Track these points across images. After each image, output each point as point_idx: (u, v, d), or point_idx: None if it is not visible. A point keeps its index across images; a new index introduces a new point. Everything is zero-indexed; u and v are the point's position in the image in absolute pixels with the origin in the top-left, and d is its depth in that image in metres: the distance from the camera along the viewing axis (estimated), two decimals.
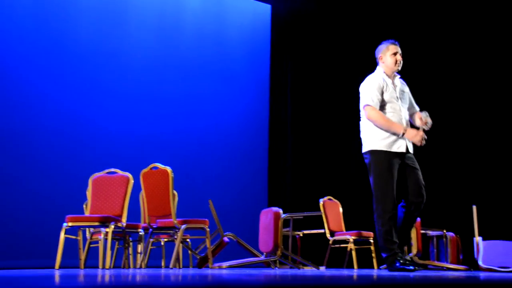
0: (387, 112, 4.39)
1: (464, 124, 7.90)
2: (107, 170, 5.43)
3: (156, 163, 5.21)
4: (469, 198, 7.06)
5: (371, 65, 8.33)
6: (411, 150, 4.45)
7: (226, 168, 8.25)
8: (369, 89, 4.40)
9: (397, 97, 4.44)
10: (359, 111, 4.54)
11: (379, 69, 4.53)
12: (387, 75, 4.48)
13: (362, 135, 4.52)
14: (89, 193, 5.34)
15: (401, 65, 4.48)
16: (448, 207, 7.47)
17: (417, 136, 4.25)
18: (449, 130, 7.87)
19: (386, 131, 4.31)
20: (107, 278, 2.46)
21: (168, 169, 5.11)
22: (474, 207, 6.70)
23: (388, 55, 4.47)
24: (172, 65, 8.11)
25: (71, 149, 7.13)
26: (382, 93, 4.39)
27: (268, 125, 8.72)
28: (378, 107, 4.36)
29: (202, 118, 8.21)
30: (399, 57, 4.47)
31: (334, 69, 8.64)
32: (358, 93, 4.50)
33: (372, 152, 4.39)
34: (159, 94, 7.94)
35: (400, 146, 4.36)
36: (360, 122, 4.54)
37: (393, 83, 4.49)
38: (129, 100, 7.70)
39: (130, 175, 5.34)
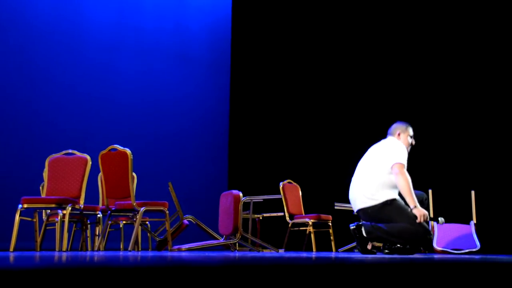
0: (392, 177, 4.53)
1: (425, 111, 8.04)
2: (64, 151, 5.33)
3: (115, 145, 5.14)
4: (425, 182, 7.21)
5: (334, 52, 8.41)
6: None
7: (186, 150, 8.21)
8: (404, 152, 4.55)
9: None
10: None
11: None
12: None
13: (371, 186, 4.51)
14: (45, 174, 5.24)
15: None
16: None
17: (422, 217, 4.35)
18: (406, 116, 8.00)
19: (404, 193, 4.42)
20: (64, 258, 2.42)
21: (127, 151, 5.05)
22: (430, 191, 6.85)
23: (407, 136, 4.73)
24: (133, 46, 8.00)
25: (28, 129, 6.98)
26: None
27: (229, 107, 8.70)
28: None
29: (162, 100, 8.13)
30: (413, 141, 4.78)
31: (297, 53, 8.66)
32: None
33: (393, 200, 4.47)
34: (118, 75, 7.82)
35: None
36: (370, 176, 4.54)
37: None
38: (88, 81, 7.56)
39: (88, 157, 5.26)
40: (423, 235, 4.36)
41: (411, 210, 4.35)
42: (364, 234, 4.38)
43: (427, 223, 4.44)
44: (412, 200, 4.37)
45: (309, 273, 1.82)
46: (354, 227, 4.42)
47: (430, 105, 8.05)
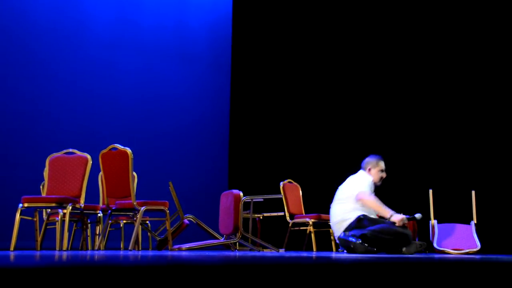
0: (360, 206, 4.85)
1: (426, 111, 8.04)
2: (65, 151, 5.33)
3: (115, 144, 5.14)
4: (425, 182, 7.21)
5: (335, 51, 8.41)
6: None
7: (187, 150, 8.21)
8: (367, 183, 4.89)
9: None
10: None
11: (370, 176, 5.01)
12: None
13: (340, 212, 4.88)
14: (46, 173, 5.24)
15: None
16: (405, 190, 7.62)
17: (401, 221, 4.68)
18: (407, 115, 8.00)
19: (376, 210, 4.79)
20: (64, 258, 2.42)
21: (128, 150, 5.05)
22: (431, 191, 6.84)
23: (377, 170, 5.03)
24: (133, 43, 8.00)
25: (28, 128, 6.98)
26: None
27: (229, 106, 8.70)
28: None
29: (162, 98, 8.13)
30: (384, 174, 5.04)
31: (298, 51, 8.66)
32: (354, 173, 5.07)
33: (365, 215, 4.80)
34: (119, 73, 7.82)
35: None
36: (339, 205, 4.93)
37: None
38: (88, 79, 7.56)
39: (88, 156, 5.26)
40: (404, 232, 4.64)
41: (389, 219, 4.66)
42: (354, 239, 4.58)
43: (405, 225, 4.74)
44: (385, 211, 4.72)
45: (309, 273, 1.82)
46: (342, 238, 4.66)
47: (430, 105, 8.04)
